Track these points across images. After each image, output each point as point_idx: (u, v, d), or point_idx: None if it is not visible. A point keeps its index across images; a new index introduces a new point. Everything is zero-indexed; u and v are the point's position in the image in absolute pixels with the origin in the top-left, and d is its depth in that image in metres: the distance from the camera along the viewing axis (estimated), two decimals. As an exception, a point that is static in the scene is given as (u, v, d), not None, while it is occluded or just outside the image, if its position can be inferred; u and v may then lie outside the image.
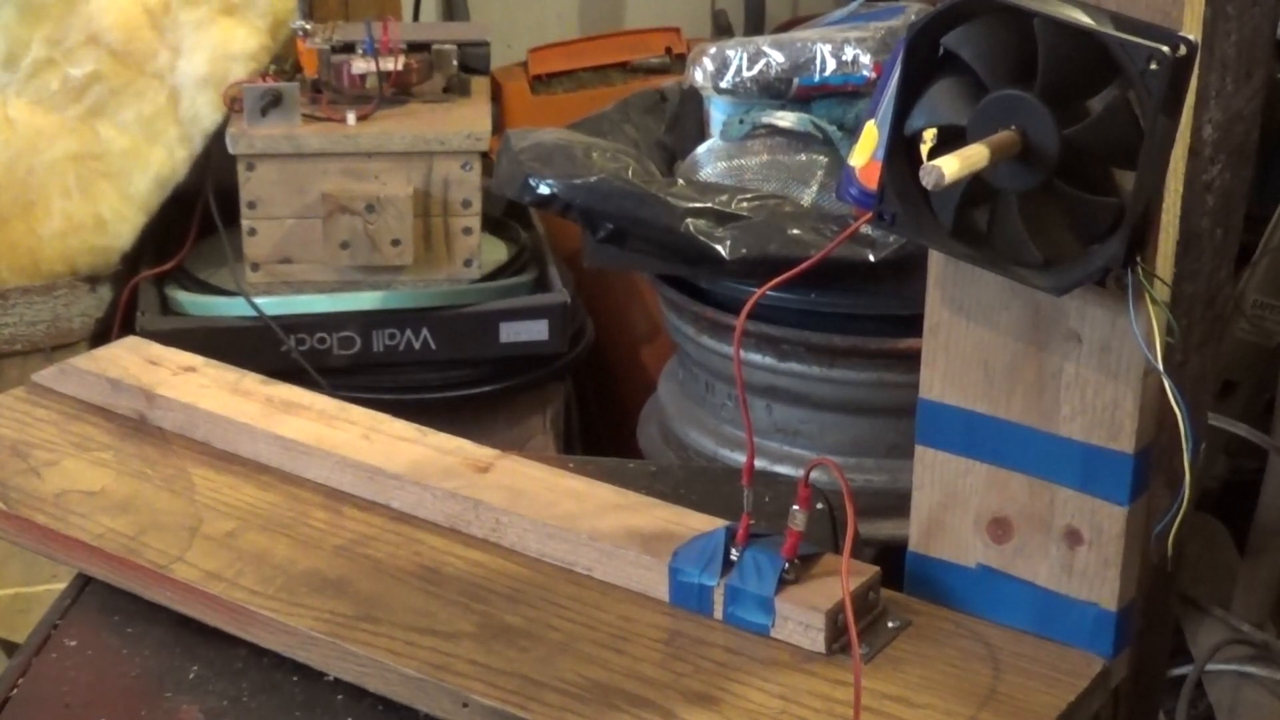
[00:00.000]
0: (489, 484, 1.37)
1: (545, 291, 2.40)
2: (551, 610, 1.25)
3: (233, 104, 2.29)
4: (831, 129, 2.07)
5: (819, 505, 1.40)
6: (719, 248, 1.89)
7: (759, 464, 1.26)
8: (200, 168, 2.36)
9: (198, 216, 2.37)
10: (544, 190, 1.99)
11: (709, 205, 1.93)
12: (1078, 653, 1.20)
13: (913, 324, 1.29)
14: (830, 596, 1.20)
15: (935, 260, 1.20)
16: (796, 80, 2.09)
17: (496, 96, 2.77)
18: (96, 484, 1.40)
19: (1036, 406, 1.18)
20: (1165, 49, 1.03)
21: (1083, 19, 1.06)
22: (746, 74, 2.10)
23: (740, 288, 1.98)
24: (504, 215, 2.57)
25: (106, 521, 1.35)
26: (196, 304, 2.33)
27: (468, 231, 2.32)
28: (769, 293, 1.21)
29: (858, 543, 1.28)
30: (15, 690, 1.22)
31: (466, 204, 2.30)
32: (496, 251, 2.47)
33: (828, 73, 2.08)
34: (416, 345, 2.32)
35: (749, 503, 1.23)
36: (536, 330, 2.35)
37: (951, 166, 1.04)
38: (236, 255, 2.30)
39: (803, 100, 2.10)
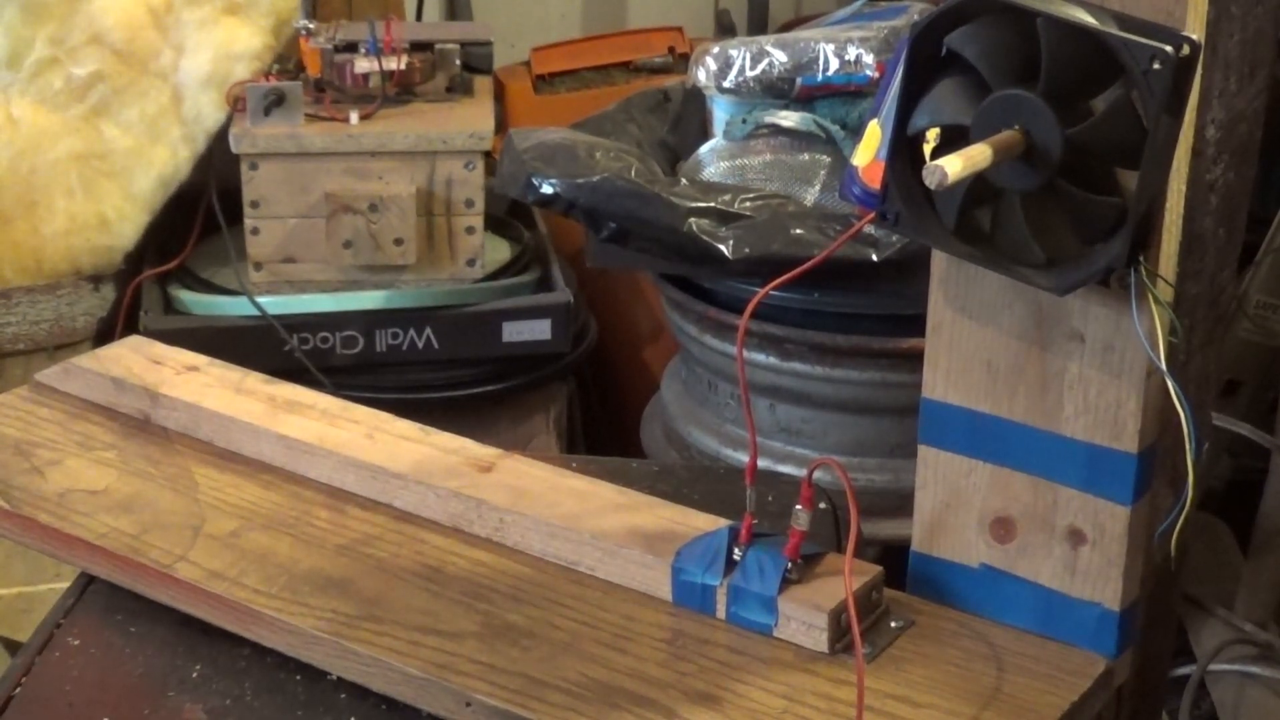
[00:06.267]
0: (492, 483, 1.37)
1: (548, 291, 2.40)
2: (554, 610, 1.25)
3: (236, 103, 2.29)
4: (834, 129, 2.07)
5: (822, 505, 1.40)
6: (722, 247, 1.89)
7: (762, 463, 1.26)
8: (203, 167, 2.36)
9: (201, 216, 2.37)
10: (547, 190, 1.99)
11: (712, 205, 1.93)
12: (1081, 653, 1.20)
13: (916, 323, 1.29)
14: (833, 596, 1.20)
15: (938, 260, 1.20)
16: (799, 80, 2.09)
17: (499, 96, 2.77)
18: (100, 483, 1.41)
19: (1039, 406, 1.18)
20: (1168, 49, 1.03)
21: (1086, 19, 1.06)
22: (749, 74, 2.10)
23: (743, 287, 1.98)
24: (507, 215, 2.57)
25: (109, 521, 1.35)
26: (200, 303, 2.33)
27: (471, 231, 2.32)
28: (772, 292, 1.22)
29: (860, 542, 1.28)
30: (18, 689, 1.22)
31: (469, 203, 2.30)
32: (499, 251, 2.47)
33: (831, 72, 2.08)
34: (419, 345, 2.32)
35: (752, 502, 1.23)
36: (539, 330, 2.35)
37: (954, 166, 1.04)
38: (239, 255, 2.30)
39: (806, 100, 2.10)
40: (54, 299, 2.31)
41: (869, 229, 1.66)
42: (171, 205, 2.37)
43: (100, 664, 1.24)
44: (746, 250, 1.89)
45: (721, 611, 1.23)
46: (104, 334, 2.32)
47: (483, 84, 2.45)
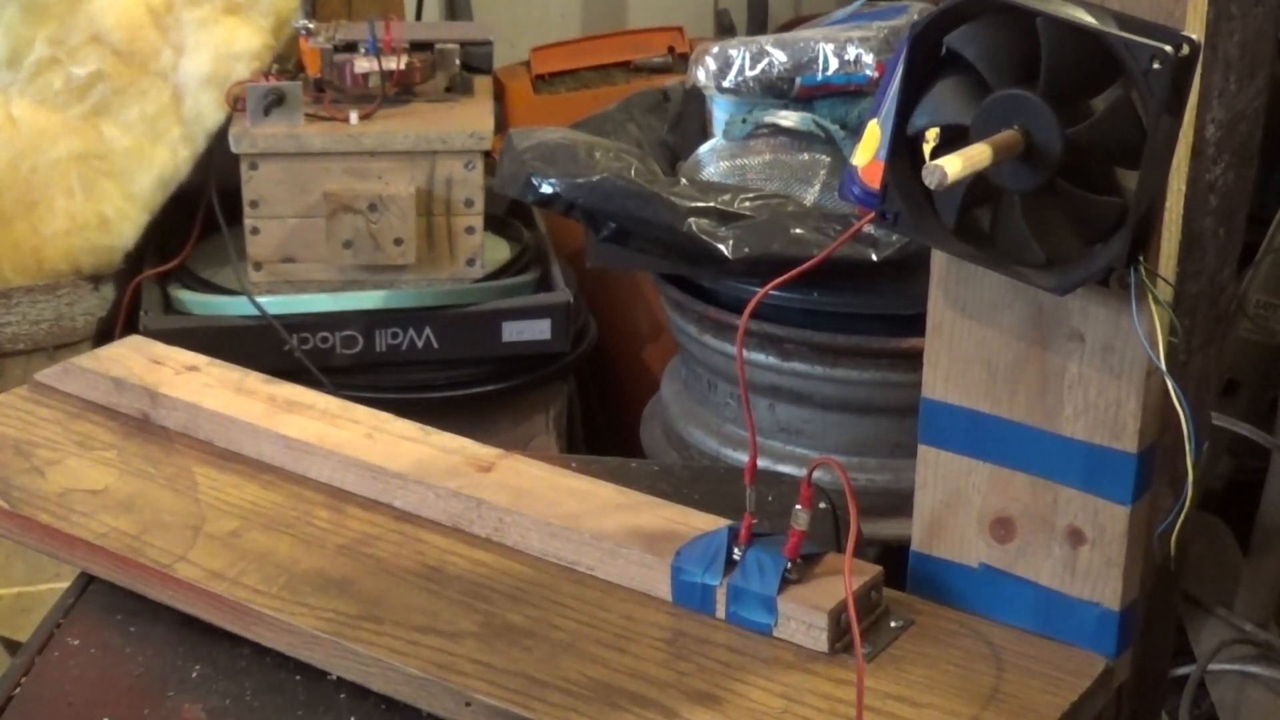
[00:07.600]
0: (492, 483, 1.37)
1: (548, 291, 2.40)
2: (554, 610, 1.25)
3: (236, 103, 2.30)
4: (834, 128, 2.07)
5: (822, 505, 1.40)
6: (722, 247, 1.89)
7: (762, 463, 1.26)
8: (203, 167, 2.36)
9: (201, 216, 2.37)
10: (547, 189, 1.99)
11: (712, 204, 1.93)
12: (1081, 652, 1.20)
13: (915, 323, 1.29)
14: (833, 596, 1.20)
15: (938, 260, 1.20)
16: (799, 80, 2.09)
17: (499, 96, 2.77)
18: (99, 483, 1.41)
19: (1039, 406, 1.18)
20: (1168, 48, 1.03)
21: (1086, 18, 1.06)
22: (749, 73, 2.10)
23: (743, 287, 1.98)
24: (507, 214, 2.57)
25: (109, 520, 1.35)
26: (199, 303, 2.33)
27: (470, 231, 2.32)
28: (772, 292, 1.21)
29: (860, 542, 1.28)
30: (18, 689, 1.22)
31: (469, 203, 2.30)
32: (499, 251, 2.47)
33: (830, 72, 2.08)
34: (419, 344, 2.32)
35: (752, 502, 1.23)
36: (539, 329, 2.35)
37: (954, 166, 1.04)
38: (239, 254, 2.30)
39: (805, 100, 2.10)
40: (54, 299, 2.31)
41: (869, 229, 1.66)
42: (171, 205, 2.37)
43: (100, 664, 1.24)
44: (746, 250, 1.89)
45: (721, 611, 1.23)
46: (104, 334, 2.32)
47: (483, 84, 2.45)
